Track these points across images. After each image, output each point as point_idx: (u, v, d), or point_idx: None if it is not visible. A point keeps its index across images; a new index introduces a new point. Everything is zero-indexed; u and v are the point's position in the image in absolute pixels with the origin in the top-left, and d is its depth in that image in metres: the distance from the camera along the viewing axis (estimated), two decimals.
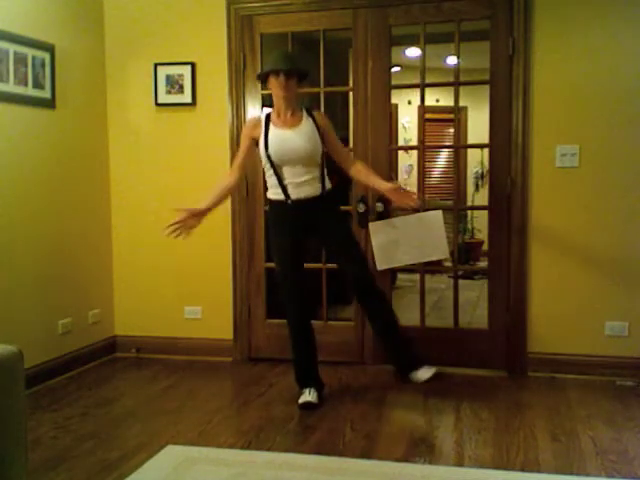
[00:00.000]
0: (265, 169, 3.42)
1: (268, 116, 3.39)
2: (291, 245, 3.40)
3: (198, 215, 3.37)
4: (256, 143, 3.39)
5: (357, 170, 3.47)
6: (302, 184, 3.33)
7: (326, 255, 3.98)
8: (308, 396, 3.40)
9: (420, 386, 3.75)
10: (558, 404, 3.43)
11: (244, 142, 3.45)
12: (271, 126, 3.35)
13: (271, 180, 3.39)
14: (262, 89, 4.15)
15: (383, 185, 3.40)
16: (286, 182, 3.33)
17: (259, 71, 3.51)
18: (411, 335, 3.63)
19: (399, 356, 3.53)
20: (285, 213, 3.38)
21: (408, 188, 3.51)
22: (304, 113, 3.38)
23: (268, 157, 3.31)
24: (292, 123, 3.34)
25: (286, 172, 3.32)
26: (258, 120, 3.42)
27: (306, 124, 3.34)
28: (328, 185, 3.41)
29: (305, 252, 3.52)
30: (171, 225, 3.33)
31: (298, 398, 3.42)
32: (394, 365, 3.65)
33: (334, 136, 3.44)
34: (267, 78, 3.34)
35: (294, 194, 3.33)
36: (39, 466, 2.72)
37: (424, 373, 3.43)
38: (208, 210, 3.40)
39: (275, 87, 3.31)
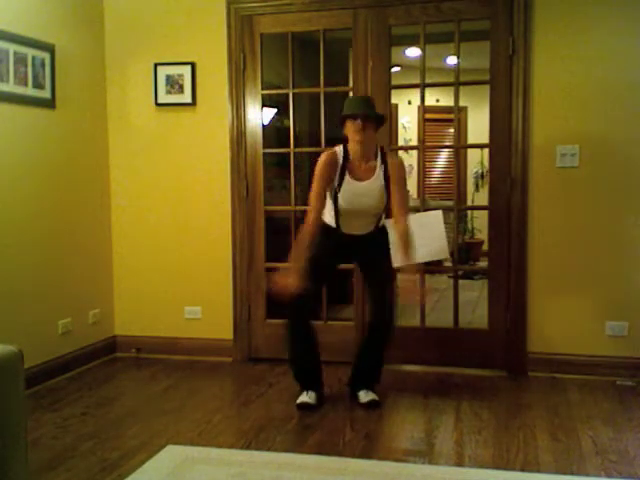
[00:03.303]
0: (330, 198, 3.36)
1: (346, 157, 3.31)
2: (327, 261, 3.42)
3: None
4: (330, 179, 3.32)
5: (396, 228, 3.32)
6: (358, 227, 3.37)
7: (362, 277, 3.80)
8: (306, 396, 3.41)
9: (420, 386, 3.77)
10: (558, 404, 3.43)
11: (322, 184, 3.30)
12: (346, 175, 3.29)
13: (330, 211, 3.37)
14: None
15: (399, 263, 3.32)
16: (341, 220, 3.36)
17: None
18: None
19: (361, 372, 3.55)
20: (333, 236, 3.38)
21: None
22: (378, 161, 3.32)
23: (335, 203, 3.32)
24: (366, 174, 3.31)
25: (348, 215, 3.34)
26: (336, 160, 3.31)
27: (377, 178, 3.30)
28: (381, 224, 3.43)
29: (335, 272, 3.56)
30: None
31: (297, 397, 3.43)
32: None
33: (397, 188, 3.30)
34: (344, 122, 3.29)
35: (345, 229, 3.38)
36: (39, 466, 2.72)
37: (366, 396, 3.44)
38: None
39: (351, 131, 3.25)
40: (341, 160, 3.32)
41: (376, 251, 3.42)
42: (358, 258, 3.56)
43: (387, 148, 4.08)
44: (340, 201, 3.30)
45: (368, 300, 3.66)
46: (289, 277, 3.16)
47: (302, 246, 3.25)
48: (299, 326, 3.46)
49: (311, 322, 3.49)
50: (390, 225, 3.44)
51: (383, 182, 3.30)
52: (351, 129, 3.25)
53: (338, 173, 3.30)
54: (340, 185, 3.30)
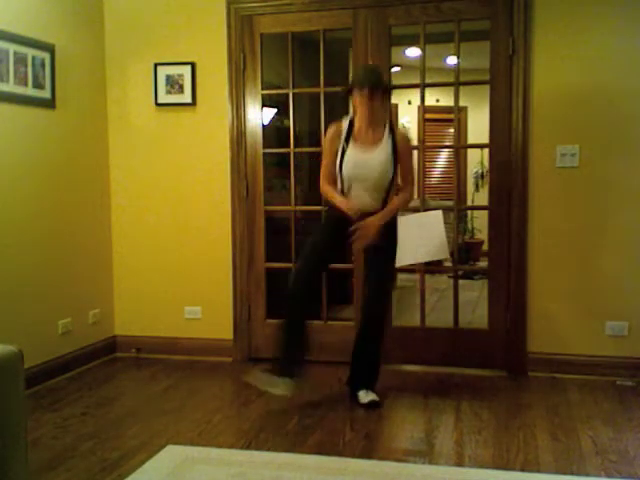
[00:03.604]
0: (337, 171, 3.39)
1: (350, 127, 3.35)
2: (330, 240, 3.43)
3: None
4: (337, 149, 3.37)
5: (396, 198, 3.44)
6: (363, 198, 3.34)
7: (363, 258, 3.78)
8: (279, 387, 3.35)
9: (420, 386, 3.77)
10: (558, 404, 3.43)
11: (328, 156, 3.38)
12: (351, 142, 3.32)
13: (338, 183, 3.39)
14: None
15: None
16: (347, 193, 3.35)
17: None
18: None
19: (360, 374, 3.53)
20: (339, 215, 3.37)
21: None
22: (386, 130, 3.35)
23: (340, 171, 3.33)
24: (372, 142, 3.32)
25: (353, 187, 3.34)
26: (340, 130, 3.36)
27: (384, 147, 3.31)
28: (389, 202, 3.41)
29: (339, 254, 3.60)
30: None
31: (268, 379, 3.39)
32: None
33: (405, 161, 3.38)
34: (351, 92, 3.33)
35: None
36: (39, 466, 2.72)
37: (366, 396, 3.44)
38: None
39: (359, 101, 3.29)
40: (346, 129, 3.35)
41: (381, 237, 3.37)
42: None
43: None
44: (344, 170, 3.30)
45: (364, 284, 3.57)
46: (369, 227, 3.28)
47: (336, 200, 3.34)
48: (296, 309, 3.44)
49: (308, 309, 3.50)
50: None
51: (391, 152, 3.31)
52: (359, 99, 3.29)
53: (343, 141, 3.33)
54: (344, 153, 3.31)
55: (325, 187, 3.42)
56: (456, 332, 4.11)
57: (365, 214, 3.32)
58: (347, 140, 3.33)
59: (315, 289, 3.60)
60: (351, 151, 3.32)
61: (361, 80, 3.27)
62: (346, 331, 4.17)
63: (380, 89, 3.29)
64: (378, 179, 3.32)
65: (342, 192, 3.36)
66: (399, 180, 3.45)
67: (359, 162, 3.30)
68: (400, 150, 3.35)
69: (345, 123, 3.38)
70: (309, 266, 3.43)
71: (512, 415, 3.29)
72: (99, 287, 4.37)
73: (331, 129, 3.42)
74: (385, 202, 3.38)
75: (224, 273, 4.30)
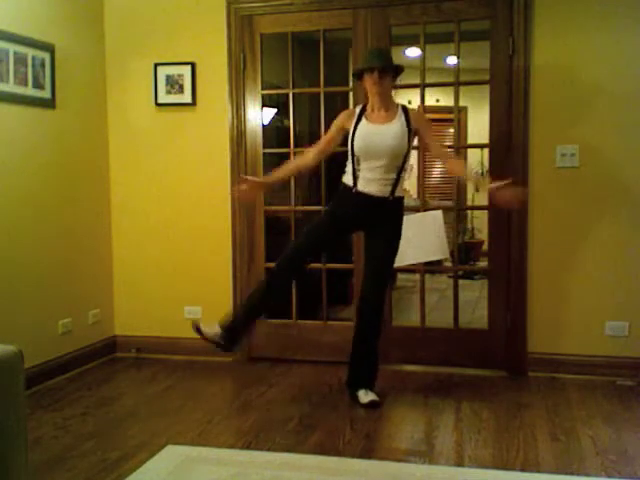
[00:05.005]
0: (349, 154, 3.43)
1: (363, 109, 3.43)
2: (332, 230, 3.45)
3: (260, 186, 3.66)
4: (346, 133, 3.43)
5: (451, 167, 3.60)
6: (373, 181, 3.34)
7: (364, 247, 3.75)
8: (217, 335, 3.48)
9: (420, 386, 3.77)
10: (558, 404, 3.43)
11: (332, 129, 3.49)
12: (363, 119, 3.38)
13: (348, 166, 3.43)
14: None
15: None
16: (359, 173, 3.36)
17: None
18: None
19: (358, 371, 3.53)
20: (347, 200, 3.41)
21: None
22: (399, 110, 3.41)
23: (352, 148, 3.36)
24: (385, 119, 3.37)
25: (363, 165, 3.35)
26: (353, 112, 3.46)
27: (397, 123, 3.36)
28: (398, 192, 3.39)
29: (338, 244, 3.68)
30: (234, 190, 3.79)
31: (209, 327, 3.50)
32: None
33: (429, 135, 3.50)
34: (362, 75, 3.39)
35: (361, 186, 3.36)
36: (39, 466, 2.72)
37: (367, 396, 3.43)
38: (272, 183, 3.65)
39: (369, 84, 3.35)
40: (358, 113, 3.41)
41: (386, 231, 3.39)
42: (367, 229, 3.47)
43: None
44: (355, 143, 3.33)
45: (364, 274, 3.53)
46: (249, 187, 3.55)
47: (280, 169, 3.56)
48: (274, 293, 3.53)
49: (283, 295, 3.73)
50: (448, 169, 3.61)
51: (406, 129, 3.34)
52: (369, 81, 3.34)
53: (354, 121, 3.38)
54: (355, 129, 3.36)
55: (301, 153, 3.53)
56: (456, 332, 4.10)
57: (372, 200, 3.33)
58: (359, 119, 3.39)
59: (299, 276, 3.67)
60: (363, 125, 3.37)
61: (370, 63, 3.32)
62: (346, 331, 4.16)
63: (389, 71, 3.35)
64: (391, 154, 3.31)
65: (353, 173, 3.36)
66: (440, 156, 3.64)
67: (372, 134, 3.32)
68: (419, 126, 3.41)
69: (358, 108, 3.46)
70: (302, 256, 3.48)
71: (512, 415, 3.29)
72: (99, 287, 4.37)
73: (344, 112, 3.50)
74: (394, 189, 3.35)
75: (224, 273, 4.30)
